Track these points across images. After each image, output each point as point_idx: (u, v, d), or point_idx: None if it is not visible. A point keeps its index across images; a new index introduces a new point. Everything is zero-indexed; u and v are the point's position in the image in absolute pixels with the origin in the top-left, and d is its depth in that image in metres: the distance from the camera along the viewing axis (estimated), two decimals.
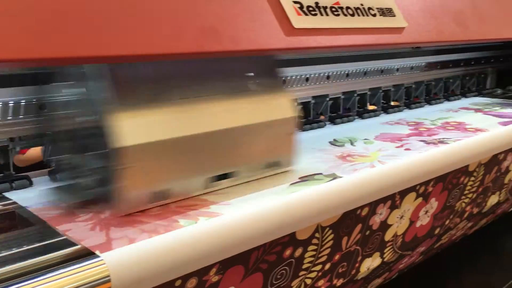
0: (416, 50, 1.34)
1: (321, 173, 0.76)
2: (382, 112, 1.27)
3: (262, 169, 0.75)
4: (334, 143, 0.96)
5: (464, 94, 1.55)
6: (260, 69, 0.75)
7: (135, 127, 0.59)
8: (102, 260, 0.49)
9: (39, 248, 0.52)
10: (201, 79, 0.67)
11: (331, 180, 0.73)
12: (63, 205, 0.64)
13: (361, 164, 0.81)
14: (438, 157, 0.92)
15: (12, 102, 0.70)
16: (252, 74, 0.74)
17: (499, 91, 1.70)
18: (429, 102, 1.41)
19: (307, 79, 1.07)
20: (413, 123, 1.14)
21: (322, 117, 1.14)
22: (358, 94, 1.21)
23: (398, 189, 0.85)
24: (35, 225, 0.59)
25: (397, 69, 1.30)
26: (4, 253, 0.51)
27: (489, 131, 1.05)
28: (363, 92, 1.22)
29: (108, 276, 0.49)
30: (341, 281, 0.88)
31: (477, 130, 1.04)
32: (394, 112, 1.28)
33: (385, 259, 0.97)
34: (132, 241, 0.53)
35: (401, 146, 0.93)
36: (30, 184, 0.73)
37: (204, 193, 0.68)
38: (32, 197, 0.68)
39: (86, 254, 0.51)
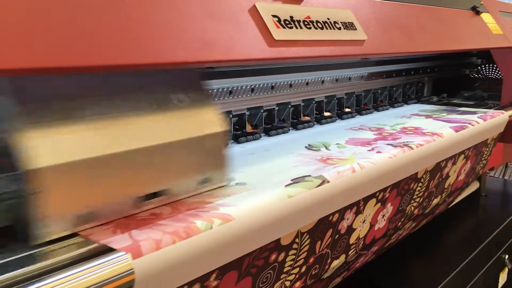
0: (365, 61, 1.44)
1: (309, 175, 0.81)
2: (337, 118, 1.36)
3: (194, 186, 0.71)
4: (310, 147, 1.02)
5: (405, 101, 1.68)
6: (185, 83, 0.71)
7: (50, 147, 0.54)
8: (125, 254, 0.53)
9: None
10: (122, 93, 0.63)
11: (321, 181, 0.80)
12: None
13: (342, 167, 0.86)
14: (415, 156, 1.01)
15: None
16: (176, 88, 0.69)
17: (435, 98, 1.85)
18: (376, 108, 1.52)
19: (272, 87, 1.14)
20: (375, 129, 1.21)
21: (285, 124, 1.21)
22: (316, 101, 1.29)
23: (383, 185, 0.94)
24: None
25: (349, 78, 1.40)
26: None
27: (444, 134, 1.15)
28: (320, 99, 1.31)
29: (132, 269, 0.53)
30: (312, 281, 0.95)
31: (434, 134, 1.13)
32: (348, 118, 1.38)
33: (347, 260, 1.05)
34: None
35: (372, 149, 0.99)
36: None
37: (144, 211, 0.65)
38: None
39: (109, 250, 0.54)
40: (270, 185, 0.76)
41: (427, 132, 1.15)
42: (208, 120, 0.71)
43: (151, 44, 0.60)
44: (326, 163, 0.89)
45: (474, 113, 1.44)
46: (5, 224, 0.56)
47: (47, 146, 0.54)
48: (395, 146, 1.01)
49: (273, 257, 0.77)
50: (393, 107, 1.59)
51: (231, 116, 1.06)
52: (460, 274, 1.45)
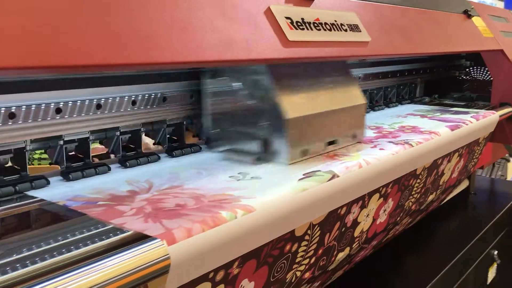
0: (362, 62, 1.49)
1: (319, 170, 0.85)
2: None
3: (349, 139, 1.05)
4: None
5: (400, 102, 1.73)
6: (341, 70, 1.06)
7: (293, 106, 0.89)
8: (160, 241, 0.56)
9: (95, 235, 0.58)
10: (314, 76, 0.99)
11: (331, 176, 0.83)
12: (101, 202, 0.69)
13: (350, 162, 0.90)
14: (416, 153, 1.06)
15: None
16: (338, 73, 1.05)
17: (427, 99, 1.90)
18: (373, 108, 1.57)
19: None
20: (374, 127, 1.25)
21: None
22: None
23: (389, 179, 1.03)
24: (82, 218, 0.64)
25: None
26: (70, 239, 0.56)
27: (441, 133, 1.20)
28: None
29: (168, 254, 0.56)
30: (319, 272, 0.99)
31: (431, 132, 1.18)
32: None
33: (350, 252, 1.09)
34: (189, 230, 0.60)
35: (375, 146, 1.03)
36: (48, 183, 0.77)
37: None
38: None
39: (145, 237, 0.57)
40: (284, 179, 0.80)
41: (424, 131, 1.20)
42: (357, 95, 1.08)
43: (181, 45, 0.63)
44: (334, 159, 0.93)
45: (467, 113, 1.49)
46: (259, 156, 0.91)
47: (292, 106, 0.89)
48: (396, 144, 1.06)
49: (288, 247, 0.81)
50: (388, 107, 1.64)
51: None
52: (452, 269, 1.50)
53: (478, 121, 1.41)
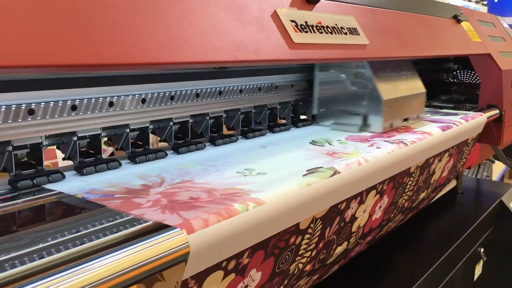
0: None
1: (322, 167, 0.89)
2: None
3: (414, 119, 1.39)
4: (314, 143, 1.10)
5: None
6: (407, 66, 1.42)
7: (386, 91, 1.26)
8: (180, 230, 0.60)
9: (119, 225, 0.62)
10: (393, 70, 1.34)
11: (333, 172, 0.87)
12: (118, 195, 0.72)
13: (349, 160, 0.94)
14: (410, 151, 1.11)
15: None
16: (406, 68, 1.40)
17: None
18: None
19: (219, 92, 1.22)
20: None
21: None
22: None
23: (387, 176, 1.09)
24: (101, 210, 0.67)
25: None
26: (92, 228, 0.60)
27: (433, 133, 1.25)
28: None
29: (187, 242, 0.60)
30: (319, 265, 1.03)
31: (424, 132, 1.24)
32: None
33: (347, 247, 1.13)
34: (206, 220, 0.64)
35: (372, 145, 1.08)
36: (63, 177, 0.80)
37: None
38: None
39: (165, 226, 0.61)
40: (289, 174, 0.84)
41: (417, 131, 1.25)
42: (420, 86, 1.45)
43: (200, 46, 0.67)
44: (334, 157, 0.97)
45: (456, 114, 1.55)
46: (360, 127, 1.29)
47: (385, 91, 1.27)
48: (392, 143, 1.10)
49: (292, 240, 0.85)
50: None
51: (239, 113, 1.14)
52: (440, 266, 1.54)
53: (467, 122, 1.46)
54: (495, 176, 3.20)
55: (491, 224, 1.98)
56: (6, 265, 0.49)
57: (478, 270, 1.90)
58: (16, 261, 0.50)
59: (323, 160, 0.95)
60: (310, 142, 1.10)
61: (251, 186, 0.78)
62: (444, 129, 1.31)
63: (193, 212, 0.65)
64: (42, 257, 0.51)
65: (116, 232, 0.58)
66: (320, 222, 0.91)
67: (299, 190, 0.79)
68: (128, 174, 0.83)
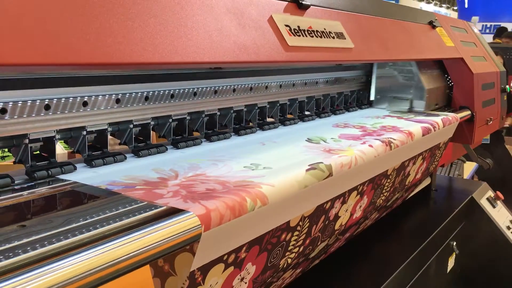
0: (338, 66, 1.62)
1: (322, 162, 0.93)
2: (316, 116, 1.52)
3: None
4: (310, 140, 1.14)
5: (370, 104, 1.87)
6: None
7: (427, 83, 1.73)
8: (192, 214, 0.66)
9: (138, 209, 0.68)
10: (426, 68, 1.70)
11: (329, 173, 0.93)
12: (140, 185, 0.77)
13: (345, 157, 0.99)
14: (396, 151, 1.18)
15: None
16: None
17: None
18: (347, 109, 1.69)
19: (265, 87, 1.29)
20: (359, 126, 1.36)
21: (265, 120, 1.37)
22: (299, 101, 1.45)
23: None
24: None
25: (327, 81, 1.57)
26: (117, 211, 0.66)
27: (415, 133, 1.33)
28: (302, 99, 1.47)
29: (200, 225, 0.66)
30: (302, 259, 1.10)
31: (410, 132, 1.30)
32: (325, 117, 1.54)
33: (328, 243, 1.21)
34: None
35: (364, 143, 1.13)
36: (75, 168, 0.85)
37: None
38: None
39: (179, 210, 0.67)
40: (292, 168, 0.89)
41: (404, 130, 1.31)
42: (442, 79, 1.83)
43: (200, 47, 0.73)
44: (331, 153, 1.02)
45: (437, 115, 1.62)
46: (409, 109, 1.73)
47: (426, 83, 1.77)
48: (382, 141, 1.17)
49: (283, 236, 0.92)
50: (361, 108, 1.77)
51: (231, 111, 1.20)
52: (415, 258, 1.62)
53: (444, 124, 1.56)
54: (466, 175, 3.34)
55: (463, 219, 2.08)
56: (46, 242, 0.55)
57: (451, 262, 2.00)
58: (50, 240, 0.56)
59: (322, 156, 0.99)
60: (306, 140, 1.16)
61: (260, 179, 0.82)
62: (425, 129, 1.39)
63: (212, 202, 0.70)
64: (74, 236, 0.57)
65: (140, 215, 0.64)
66: (308, 220, 0.98)
67: (299, 184, 0.85)
68: (134, 167, 0.89)
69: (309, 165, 0.91)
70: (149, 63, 0.67)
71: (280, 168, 0.90)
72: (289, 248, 0.98)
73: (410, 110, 1.74)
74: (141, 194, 0.73)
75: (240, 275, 0.84)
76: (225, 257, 0.77)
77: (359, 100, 1.81)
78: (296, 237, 0.98)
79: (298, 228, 0.97)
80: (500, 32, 6.58)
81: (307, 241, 1.04)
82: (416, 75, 1.75)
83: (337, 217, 1.13)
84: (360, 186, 1.17)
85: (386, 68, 1.81)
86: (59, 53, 0.59)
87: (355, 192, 1.16)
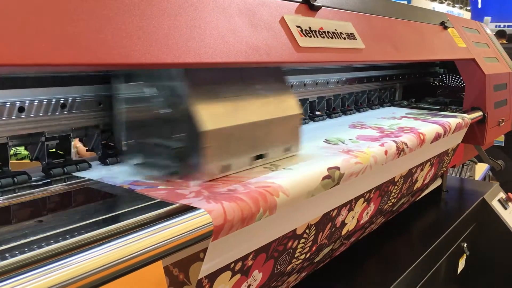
0: (349, 67, 1.62)
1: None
2: (327, 117, 1.53)
3: (280, 153, 0.95)
4: (328, 141, 1.12)
5: (381, 104, 1.87)
6: (271, 78, 0.96)
7: (212, 116, 0.79)
8: (204, 211, 0.67)
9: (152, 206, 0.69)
10: (241, 83, 0.89)
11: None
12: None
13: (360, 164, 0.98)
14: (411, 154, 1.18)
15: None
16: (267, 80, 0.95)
17: (405, 102, 2.05)
18: (358, 110, 1.70)
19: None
20: (376, 127, 1.34)
21: None
22: (310, 101, 1.46)
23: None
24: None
25: (337, 82, 1.58)
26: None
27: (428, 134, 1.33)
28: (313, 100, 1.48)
29: (211, 222, 0.67)
30: (307, 263, 1.11)
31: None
32: (336, 117, 1.55)
33: (334, 247, 1.21)
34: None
35: (382, 145, 1.11)
36: (89, 166, 0.87)
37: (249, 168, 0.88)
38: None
39: (191, 208, 0.68)
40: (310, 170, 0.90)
41: (421, 132, 1.30)
42: (290, 105, 0.96)
43: (213, 48, 0.74)
44: (349, 155, 1.00)
45: (455, 116, 1.62)
46: (175, 170, 0.82)
47: (211, 116, 0.79)
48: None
49: (290, 244, 0.93)
50: (372, 109, 1.77)
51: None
52: (425, 259, 1.62)
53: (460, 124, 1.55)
54: (478, 177, 3.33)
55: (474, 221, 2.08)
56: (60, 238, 0.56)
57: (462, 264, 1.99)
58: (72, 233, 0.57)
59: (341, 157, 0.98)
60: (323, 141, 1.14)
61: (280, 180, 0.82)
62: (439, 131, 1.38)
63: (231, 205, 0.71)
64: (94, 230, 0.59)
65: (151, 212, 0.66)
66: (314, 228, 0.99)
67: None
68: None
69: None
70: (164, 63, 0.68)
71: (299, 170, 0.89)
72: (296, 255, 0.99)
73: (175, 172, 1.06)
74: (163, 194, 0.73)
75: (247, 282, 0.85)
76: (232, 265, 0.78)
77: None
78: (303, 245, 0.99)
79: (304, 235, 0.97)
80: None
81: (314, 248, 1.05)
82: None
83: (343, 224, 1.13)
84: (367, 193, 1.17)
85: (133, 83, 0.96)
86: (76, 53, 0.61)
87: (361, 199, 1.16)
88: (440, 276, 1.80)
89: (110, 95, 0.86)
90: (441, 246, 1.74)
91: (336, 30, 1.09)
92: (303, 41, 0.95)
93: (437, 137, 1.35)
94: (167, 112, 0.80)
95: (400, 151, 1.12)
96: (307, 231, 0.97)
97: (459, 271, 1.98)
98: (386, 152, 1.07)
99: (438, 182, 2.15)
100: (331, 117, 1.53)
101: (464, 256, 1.98)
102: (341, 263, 1.46)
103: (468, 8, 12.02)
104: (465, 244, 1.96)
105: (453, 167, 2.25)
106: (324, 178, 0.87)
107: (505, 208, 2.16)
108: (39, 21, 0.56)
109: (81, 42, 0.60)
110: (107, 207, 0.67)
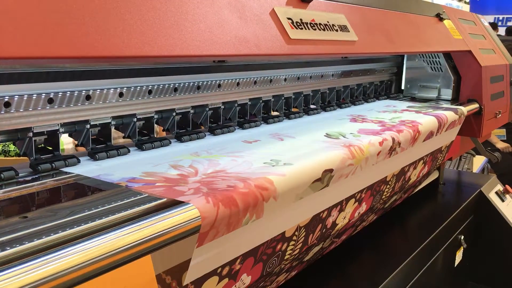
0: (344, 59, 1.61)
1: None
2: (322, 110, 1.52)
3: None
4: (329, 136, 1.10)
5: (377, 97, 1.86)
6: None
7: None
8: (192, 205, 0.67)
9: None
10: None
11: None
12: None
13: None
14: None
15: None
16: None
17: (401, 95, 2.05)
18: (353, 103, 1.69)
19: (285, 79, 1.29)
20: (377, 121, 1.31)
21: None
22: (304, 94, 1.45)
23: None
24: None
25: (332, 75, 1.57)
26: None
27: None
28: (307, 93, 1.47)
29: (199, 216, 0.66)
30: (296, 262, 1.10)
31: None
32: (330, 110, 1.54)
33: (324, 246, 1.20)
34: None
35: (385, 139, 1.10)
36: (78, 161, 0.86)
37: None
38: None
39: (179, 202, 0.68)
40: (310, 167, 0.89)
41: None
42: None
43: (200, 40, 0.74)
44: (350, 149, 0.99)
45: (456, 109, 1.60)
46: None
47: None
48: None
49: (279, 246, 0.92)
50: (367, 102, 1.76)
51: (236, 105, 1.21)
52: (422, 251, 1.62)
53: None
54: (476, 169, 3.32)
55: (471, 213, 2.07)
56: (43, 234, 0.56)
57: (459, 256, 1.99)
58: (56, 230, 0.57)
59: (342, 150, 0.97)
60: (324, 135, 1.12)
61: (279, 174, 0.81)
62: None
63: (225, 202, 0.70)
64: (79, 225, 0.58)
65: (139, 207, 0.65)
66: (304, 230, 0.97)
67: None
68: (138, 160, 0.90)
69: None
70: (148, 56, 0.67)
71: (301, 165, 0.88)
72: (285, 258, 0.97)
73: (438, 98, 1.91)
74: (161, 191, 0.71)
75: (235, 286, 0.84)
76: (218, 270, 0.77)
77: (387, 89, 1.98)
78: (292, 247, 0.97)
79: (294, 237, 0.96)
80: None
81: (304, 249, 1.03)
82: (444, 66, 1.90)
83: (334, 224, 1.11)
84: (358, 193, 1.15)
85: (415, 60, 1.97)
86: (61, 46, 0.60)
87: (352, 200, 1.14)
88: (437, 269, 1.80)
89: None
90: (438, 238, 1.74)
91: (328, 22, 1.08)
92: (294, 33, 0.94)
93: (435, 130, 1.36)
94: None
95: (391, 150, 1.11)
96: (296, 233, 0.95)
97: (456, 263, 1.98)
98: (379, 153, 1.07)
99: (435, 175, 2.15)
100: (325, 111, 1.52)
101: (461, 249, 1.98)
102: (337, 256, 1.46)
103: (467, 0, 11.98)
104: (462, 237, 1.96)
105: (450, 159, 2.24)
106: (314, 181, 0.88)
107: (503, 201, 2.15)
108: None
109: (65, 35, 0.59)
110: (95, 203, 0.67)
